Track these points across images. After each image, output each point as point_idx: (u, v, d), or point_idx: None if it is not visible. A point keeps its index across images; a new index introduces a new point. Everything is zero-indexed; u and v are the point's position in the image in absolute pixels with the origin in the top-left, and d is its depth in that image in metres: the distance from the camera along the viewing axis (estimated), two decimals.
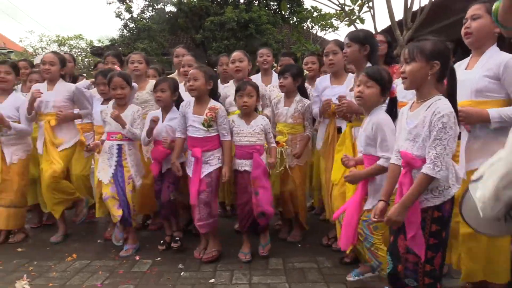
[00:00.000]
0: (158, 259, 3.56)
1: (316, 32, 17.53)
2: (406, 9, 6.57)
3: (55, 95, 4.00)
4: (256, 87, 3.49)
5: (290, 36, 16.45)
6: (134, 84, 3.88)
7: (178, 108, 3.60)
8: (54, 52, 4.12)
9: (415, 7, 6.66)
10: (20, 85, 4.76)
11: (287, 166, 3.73)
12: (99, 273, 3.29)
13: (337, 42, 3.62)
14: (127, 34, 16.07)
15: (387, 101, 2.67)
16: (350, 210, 2.66)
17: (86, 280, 3.16)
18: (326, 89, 3.69)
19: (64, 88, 4.06)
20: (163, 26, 15.55)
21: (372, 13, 7.17)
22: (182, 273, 3.26)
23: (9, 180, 3.96)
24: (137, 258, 3.59)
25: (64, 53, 5.94)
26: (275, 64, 4.48)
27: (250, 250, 3.57)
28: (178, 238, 3.71)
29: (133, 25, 16.02)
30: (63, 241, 4.06)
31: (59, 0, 70.15)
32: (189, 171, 3.48)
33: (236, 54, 4.06)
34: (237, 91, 3.50)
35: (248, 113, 3.51)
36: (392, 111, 2.64)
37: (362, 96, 2.60)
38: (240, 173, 3.50)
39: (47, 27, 74.36)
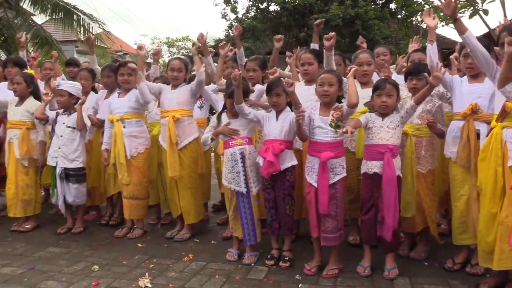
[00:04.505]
0: (274, 266, 3.44)
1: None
2: None
3: (178, 92, 4.09)
4: (396, 86, 3.26)
5: (397, 32, 15.58)
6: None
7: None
8: (180, 58, 4.19)
9: None
10: None
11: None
12: (215, 277, 3.25)
13: None
14: (232, 34, 16.48)
15: None
16: None
17: (204, 284, 3.14)
18: (462, 87, 3.27)
19: (185, 87, 4.13)
20: (267, 25, 15.65)
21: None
22: (300, 285, 3.10)
23: (130, 173, 4.15)
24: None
25: (182, 55, 6.11)
26: (404, 64, 4.07)
27: (370, 263, 3.29)
28: (288, 258, 3.46)
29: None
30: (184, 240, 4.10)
31: (168, 4, 74.87)
32: (309, 178, 3.28)
33: (363, 56, 3.81)
34: (375, 90, 3.30)
35: (385, 114, 3.29)
36: None
37: None
38: (370, 176, 3.24)
39: (157, 30, 79.95)
